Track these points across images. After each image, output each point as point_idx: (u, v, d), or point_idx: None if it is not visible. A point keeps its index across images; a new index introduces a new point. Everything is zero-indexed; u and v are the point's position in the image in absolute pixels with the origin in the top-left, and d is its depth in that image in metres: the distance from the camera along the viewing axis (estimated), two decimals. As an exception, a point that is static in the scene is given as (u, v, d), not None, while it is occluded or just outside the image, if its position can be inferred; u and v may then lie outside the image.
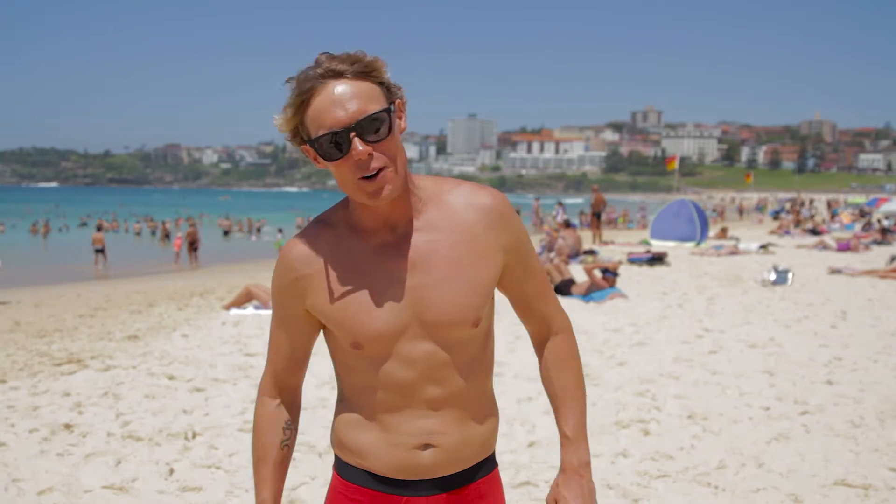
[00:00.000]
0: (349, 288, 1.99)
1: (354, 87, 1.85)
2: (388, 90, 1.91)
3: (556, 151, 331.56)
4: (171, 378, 8.07)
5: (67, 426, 6.39)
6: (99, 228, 29.15)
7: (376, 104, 1.86)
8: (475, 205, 2.03)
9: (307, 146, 1.91)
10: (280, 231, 33.27)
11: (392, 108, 1.89)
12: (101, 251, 26.88)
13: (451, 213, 2.02)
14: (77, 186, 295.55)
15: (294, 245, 2.05)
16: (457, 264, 2.00)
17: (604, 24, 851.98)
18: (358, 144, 1.83)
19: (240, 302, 12.95)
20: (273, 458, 2.16)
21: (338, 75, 1.85)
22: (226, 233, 46.27)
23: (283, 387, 2.19)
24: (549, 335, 2.22)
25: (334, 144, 1.85)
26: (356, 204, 1.99)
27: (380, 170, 1.87)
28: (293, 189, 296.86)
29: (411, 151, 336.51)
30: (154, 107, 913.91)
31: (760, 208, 65.17)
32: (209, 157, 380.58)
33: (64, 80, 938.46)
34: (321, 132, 1.85)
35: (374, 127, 1.85)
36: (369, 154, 1.84)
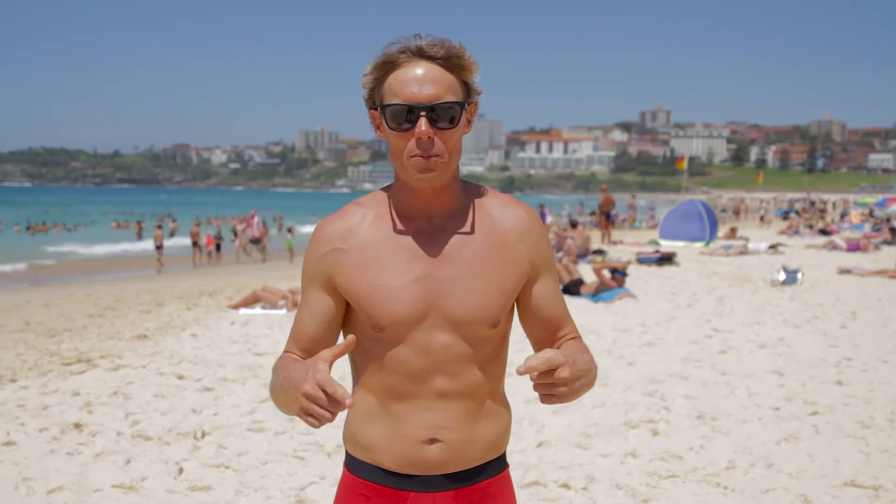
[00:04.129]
0: (379, 268, 2.03)
1: (438, 73, 1.94)
2: (468, 91, 2.00)
3: (565, 151, 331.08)
4: (180, 378, 8.09)
5: (77, 425, 6.41)
6: (159, 227, 30.58)
7: (452, 96, 1.95)
8: (511, 215, 2.12)
9: (375, 112, 2.01)
10: (290, 231, 33.25)
11: (465, 104, 1.98)
12: (160, 247, 28.74)
13: (487, 218, 2.10)
14: (87, 186, 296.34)
15: (330, 221, 2.12)
16: (485, 265, 2.06)
17: (612, 24, 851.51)
18: (423, 125, 1.91)
19: (247, 303, 12.98)
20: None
21: (428, 58, 1.94)
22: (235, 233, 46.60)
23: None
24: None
25: (402, 117, 1.93)
26: (399, 187, 2.07)
27: (434, 156, 1.94)
28: (301, 189, 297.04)
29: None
30: (163, 107, 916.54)
31: (781, 212, 60.58)
32: (218, 157, 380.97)
33: (73, 80, 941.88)
34: (394, 101, 1.93)
35: (444, 115, 1.93)
36: (430, 137, 1.92)
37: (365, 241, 2.05)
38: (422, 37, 1.96)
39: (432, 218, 2.06)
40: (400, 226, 2.06)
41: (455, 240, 2.06)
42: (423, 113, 1.91)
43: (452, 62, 1.96)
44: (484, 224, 2.09)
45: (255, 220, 30.17)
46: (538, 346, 2.23)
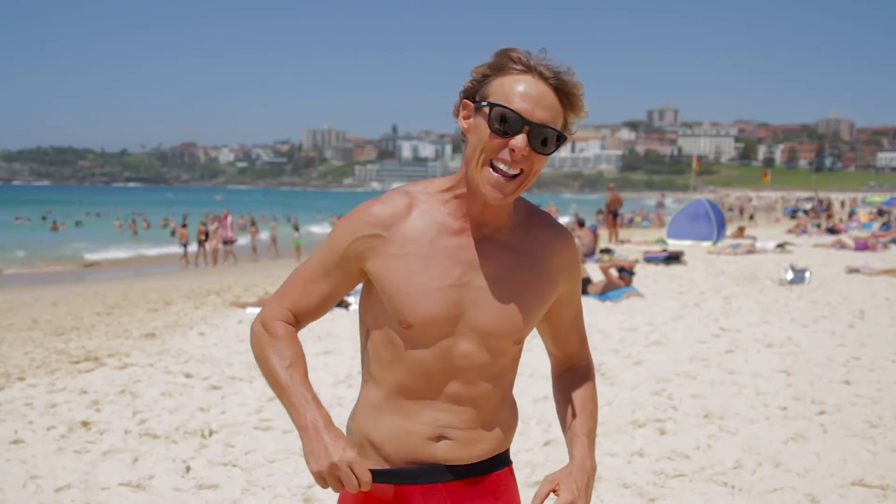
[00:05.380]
0: (420, 265, 2.02)
1: (553, 100, 1.94)
2: (566, 125, 1.99)
3: (572, 150, 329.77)
4: (187, 376, 8.11)
5: (85, 423, 6.43)
6: (184, 226, 30.51)
7: (558, 125, 1.95)
8: (553, 236, 2.14)
9: (469, 101, 2.00)
10: (297, 229, 33.29)
11: (564, 138, 1.98)
12: (186, 245, 28.95)
13: (530, 235, 2.12)
14: (95, 185, 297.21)
15: (373, 203, 2.07)
16: (522, 282, 2.08)
17: (620, 23, 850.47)
18: (522, 140, 1.90)
19: (260, 303, 13.01)
20: (304, 368, 2.07)
21: (548, 82, 1.93)
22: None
23: (296, 322, 2.15)
24: (577, 365, 2.32)
25: (506, 124, 1.91)
26: (460, 188, 2.05)
27: (517, 175, 1.95)
28: (308, 188, 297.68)
29: (427, 150, 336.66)
30: (171, 106, 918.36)
31: (789, 210, 59.18)
32: (225, 156, 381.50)
33: (81, 79, 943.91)
34: (503, 104, 1.91)
35: (543, 140, 1.93)
36: (523, 155, 1.91)
37: (409, 235, 2.03)
38: (551, 60, 1.95)
39: (482, 227, 2.06)
40: (448, 228, 2.05)
41: (498, 252, 2.07)
42: (526, 128, 1.90)
43: (568, 98, 1.96)
44: (527, 241, 2.10)
45: (229, 220, 29.43)
46: (552, 357, 2.34)
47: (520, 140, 1.90)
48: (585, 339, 2.34)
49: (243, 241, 32.33)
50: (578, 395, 2.25)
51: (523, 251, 2.09)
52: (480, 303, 2.03)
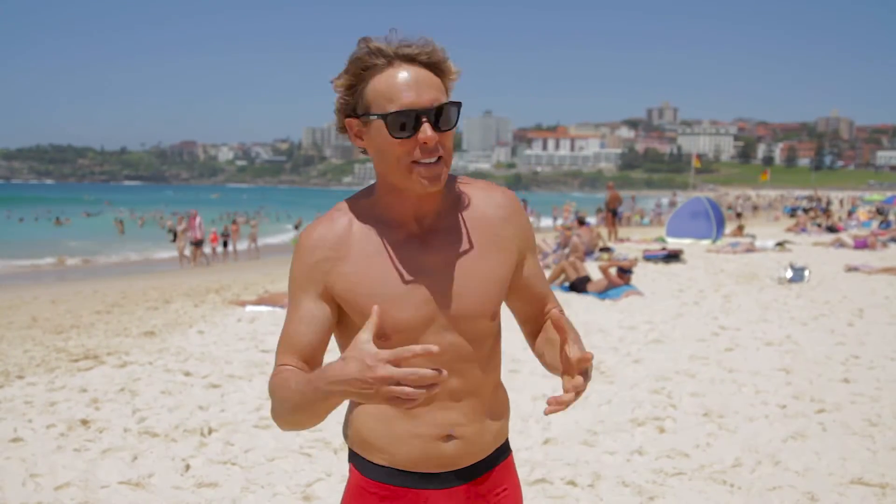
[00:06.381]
0: (376, 278, 1.98)
1: (427, 76, 1.90)
2: (446, 92, 1.96)
3: (572, 148, 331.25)
4: (186, 374, 8.10)
5: (84, 422, 6.42)
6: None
7: (446, 98, 1.92)
8: (493, 202, 2.10)
9: (353, 119, 1.94)
10: (296, 227, 33.40)
11: (461, 105, 1.95)
12: (197, 243, 28.69)
13: (472, 209, 2.08)
14: (94, 183, 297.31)
15: (316, 227, 2.04)
16: (479, 259, 2.05)
17: (619, 21, 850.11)
18: (428, 130, 1.86)
19: (260, 301, 13.00)
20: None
21: (411, 62, 1.89)
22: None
23: (305, 363, 2.03)
24: (549, 311, 2.23)
25: (404, 124, 1.87)
26: (386, 192, 2.01)
27: (439, 160, 1.91)
28: (308, 186, 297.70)
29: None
30: (170, 104, 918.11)
31: (788, 209, 58.01)
32: (225, 154, 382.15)
33: (81, 78, 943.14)
34: (391, 108, 1.86)
35: (445, 118, 1.90)
36: (436, 143, 1.89)
37: (357, 250, 1.99)
38: (391, 39, 1.90)
39: (422, 219, 2.03)
40: (391, 232, 2.01)
41: (447, 239, 2.04)
42: (424, 118, 1.86)
43: (439, 67, 1.92)
44: (470, 217, 2.07)
45: (197, 221, 28.94)
46: (526, 322, 2.26)
47: (426, 131, 1.86)
48: (552, 293, 2.26)
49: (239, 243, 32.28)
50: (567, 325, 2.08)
51: (469, 226, 2.06)
52: (446, 292, 2.01)
